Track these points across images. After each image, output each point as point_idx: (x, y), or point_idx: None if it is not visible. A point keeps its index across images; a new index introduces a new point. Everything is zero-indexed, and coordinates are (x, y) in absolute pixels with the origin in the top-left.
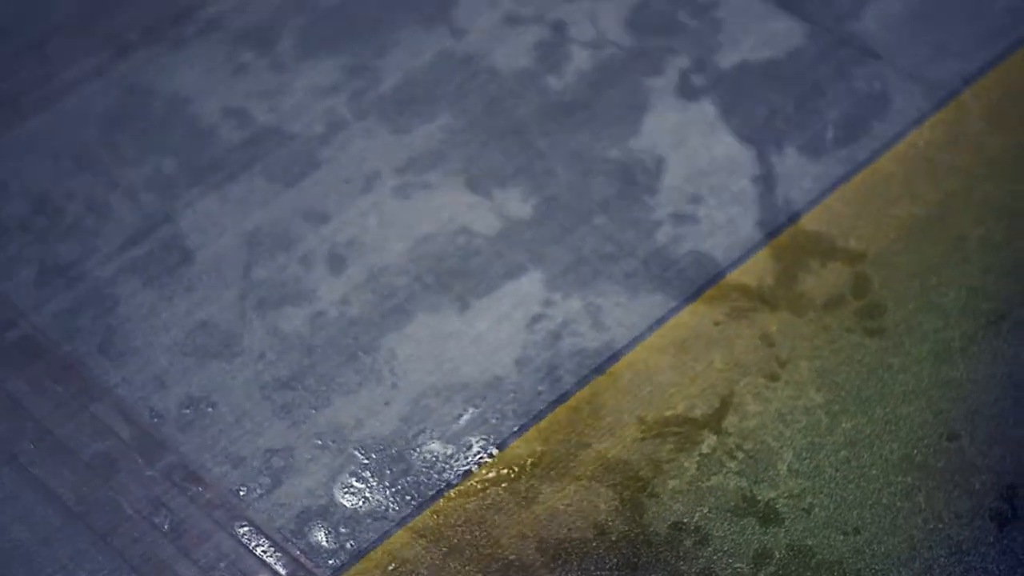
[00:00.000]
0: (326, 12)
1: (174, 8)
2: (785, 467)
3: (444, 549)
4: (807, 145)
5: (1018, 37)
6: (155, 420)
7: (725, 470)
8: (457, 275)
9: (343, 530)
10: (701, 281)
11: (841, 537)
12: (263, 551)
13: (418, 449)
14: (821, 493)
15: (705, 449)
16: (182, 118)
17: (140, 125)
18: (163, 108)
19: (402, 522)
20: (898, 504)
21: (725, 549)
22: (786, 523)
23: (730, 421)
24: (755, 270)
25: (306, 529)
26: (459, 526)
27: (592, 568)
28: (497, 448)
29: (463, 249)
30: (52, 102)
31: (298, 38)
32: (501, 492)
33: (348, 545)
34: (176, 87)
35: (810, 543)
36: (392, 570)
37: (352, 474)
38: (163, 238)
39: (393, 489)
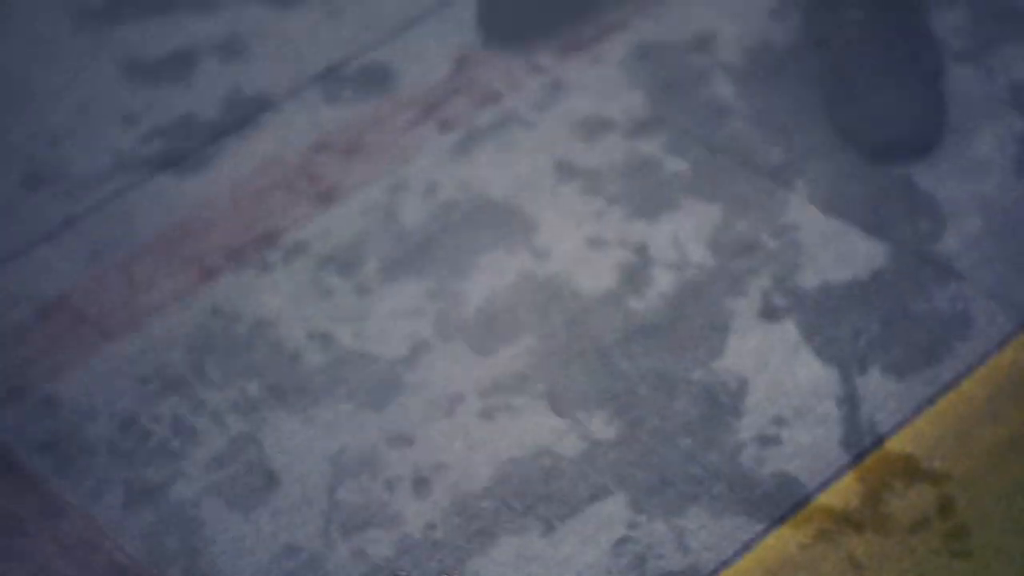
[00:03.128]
0: (409, 235)
1: (260, 232)
2: None
3: None
4: (891, 366)
5: None
6: None
7: None
8: (542, 498)
9: None
10: (786, 503)
11: None
12: None
13: None
14: None
15: None
16: (267, 341)
17: (226, 348)
18: (248, 331)
19: None
20: None
21: None
22: None
23: None
24: (840, 492)
25: None
26: None
27: None
28: None
29: (548, 471)
30: (139, 324)
31: (382, 262)
32: None
33: None
34: (261, 310)
35: None
36: None
37: None
38: (248, 460)
39: None
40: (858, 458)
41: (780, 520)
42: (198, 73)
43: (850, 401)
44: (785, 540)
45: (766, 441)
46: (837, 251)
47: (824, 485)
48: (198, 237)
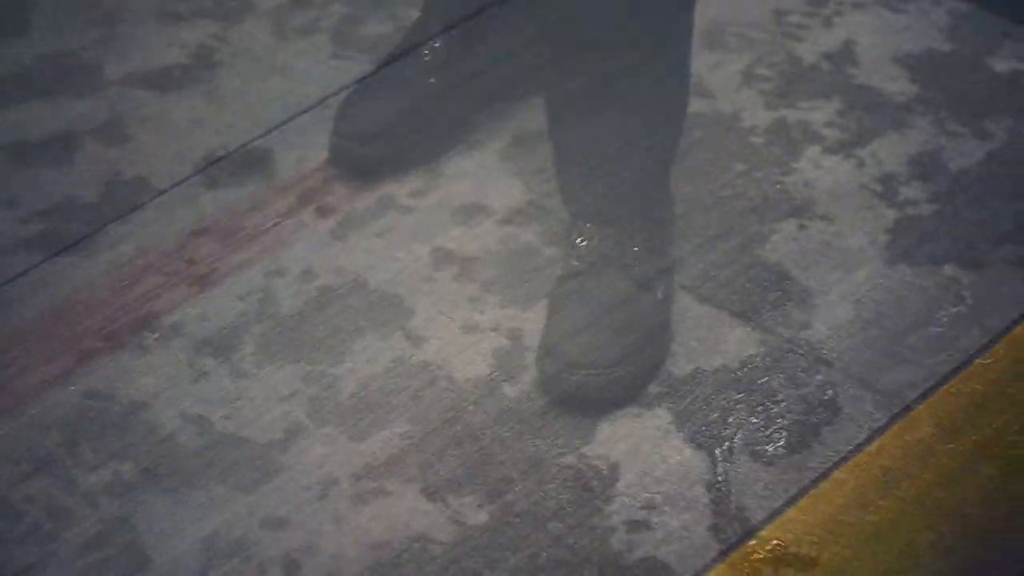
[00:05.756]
0: (285, 320)
1: (137, 315)
2: None
3: None
4: (760, 452)
5: (965, 345)
6: None
7: None
8: None
9: None
10: None
11: None
12: None
13: None
14: None
15: None
16: (142, 423)
17: (101, 430)
18: (124, 413)
19: None
20: None
21: None
22: None
23: None
24: None
25: None
26: None
27: None
28: None
29: (419, 557)
30: (14, 408)
31: (258, 345)
32: None
33: None
34: (137, 393)
35: None
36: None
37: None
38: (121, 543)
39: None
40: (727, 544)
41: None
42: (79, 156)
43: (720, 487)
44: None
45: (636, 526)
46: (709, 338)
47: (692, 570)
48: (76, 320)
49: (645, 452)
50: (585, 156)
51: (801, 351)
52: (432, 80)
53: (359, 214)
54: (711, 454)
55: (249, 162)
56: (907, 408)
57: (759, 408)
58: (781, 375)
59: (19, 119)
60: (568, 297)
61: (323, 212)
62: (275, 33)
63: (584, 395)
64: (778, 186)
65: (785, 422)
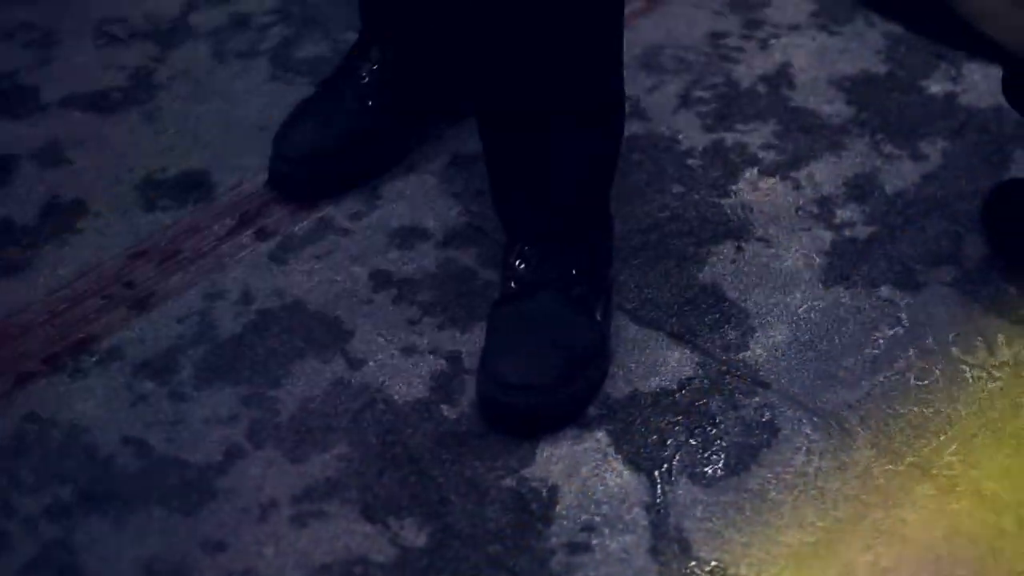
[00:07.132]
0: (225, 343)
1: (75, 338)
2: None
3: None
4: (698, 473)
5: (901, 367)
6: None
7: None
8: None
9: None
10: None
11: None
12: None
13: None
14: None
15: None
16: (81, 447)
17: (39, 453)
18: (62, 436)
19: None
20: None
21: None
22: None
23: None
24: None
25: None
26: None
27: None
28: None
29: None
30: None
31: (197, 368)
32: None
33: None
34: (75, 416)
35: None
36: None
37: None
38: (60, 567)
39: None
40: (665, 565)
41: None
42: (16, 179)
43: (659, 509)
44: None
45: (575, 548)
46: (646, 360)
47: None
48: (13, 342)
49: (584, 474)
50: (522, 178)
51: (739, 373)
52: (370, 102)
53: (298, 236)
54: (650, 476)
55: (188, 184)
56: (845, 429)
57: (697, 430)
58: (719, 397)
59: None
60: (506, 319)
61: (262, 234)
62: (214, 55)
63: (523, 417)
64: (715, 208)
65: (723, 444)
